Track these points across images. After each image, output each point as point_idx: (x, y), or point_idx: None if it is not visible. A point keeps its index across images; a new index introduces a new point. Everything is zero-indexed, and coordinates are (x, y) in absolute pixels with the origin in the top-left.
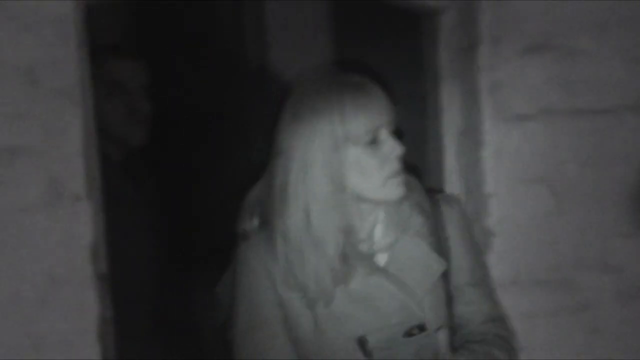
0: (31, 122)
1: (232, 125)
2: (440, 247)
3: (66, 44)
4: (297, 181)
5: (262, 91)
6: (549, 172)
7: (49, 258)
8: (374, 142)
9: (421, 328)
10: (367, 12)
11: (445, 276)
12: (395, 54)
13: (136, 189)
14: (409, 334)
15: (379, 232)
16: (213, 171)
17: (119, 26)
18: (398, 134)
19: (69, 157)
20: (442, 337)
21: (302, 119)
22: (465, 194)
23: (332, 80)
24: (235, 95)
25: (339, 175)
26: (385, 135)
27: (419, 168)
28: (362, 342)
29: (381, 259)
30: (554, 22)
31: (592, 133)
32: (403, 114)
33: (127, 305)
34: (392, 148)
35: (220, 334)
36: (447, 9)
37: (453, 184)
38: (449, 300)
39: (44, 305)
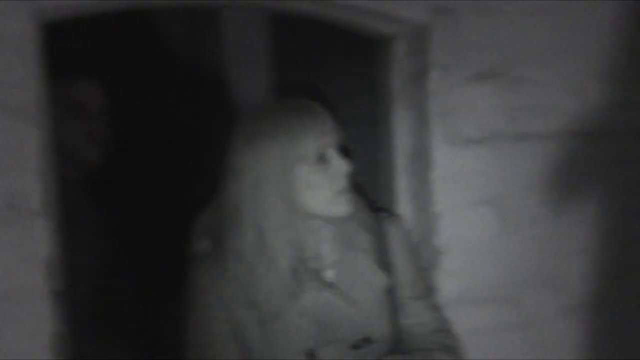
0: None
1: (190, 144)
2: (384, 263)
3: (24, 63)
4: (249, 200)
5: (219, 111)
6: (495, 194)
7: (4, 274)
8: (322, 160)
9: (367, 340)
10: (324, 36)
11: (390, 291)
12: (349, 78)
13: (95, 208)
14: (355, 346)
15: (326, 249)
16: (174, 190)
17: (80, 47)
18: (346, 152)
19: (26, 174)
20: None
21: (253, 141)
22: (415, 214)
23: (281, 104)
24: (193, 115)
25: (290, 193)
26: (333, 154)
27: (364, 187)
28: (310, 355)
29: (328, 274)
30: (501, 52)
31: (534, 157)
32: (356, 136)
33: (87, 322)
34: (339, 166)
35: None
36: (399, 36)
37: (403, 204)
38: (394, 313)
39: None
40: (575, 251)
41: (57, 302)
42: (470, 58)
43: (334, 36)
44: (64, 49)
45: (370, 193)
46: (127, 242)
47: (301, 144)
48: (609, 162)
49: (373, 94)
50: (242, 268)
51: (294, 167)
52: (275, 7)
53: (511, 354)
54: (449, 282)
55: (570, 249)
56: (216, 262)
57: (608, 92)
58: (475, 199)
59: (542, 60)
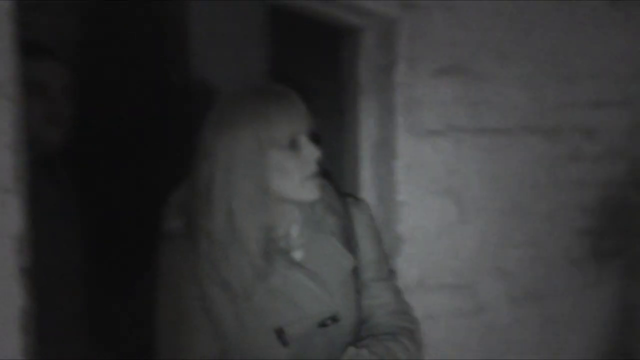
0: None
1: (160, 130)
2: (350, 245)
3: (1, 38)
4: (222, 182)
5: (186, 96)
6: (455, 184)
7: None
8: (293, 146)
9: (334, 319)
10: (292, 27)
11: (355, 272)
12: (317, 69)
13: (56, 190)
14: (323, 324)
15: (295, 230)
16: (140, 174)
17: (48, 26)
18: (316, 139)
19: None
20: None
21: (227, 125)
22: (378, 202)
23: (255, 89)
24: (164, 101)
25: (261, 177)
26: (304, 141)
27: (332, 173)
28: (279, 333)
29: (297, 255)
30: (465, 48)
31: (493, 150)
32: (322, 125)
33: (49, 303)
34: (310, 152)
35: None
36: (367, 28)
37: (367, 192)
38: (358, 294)
39: None
40: (526, 242)
41: (25, 278)
42: (436, 52)
43: (303, 27)
44: (26, 25)
45: (336, 180)
46: (93, 226)
47: (274, 128)
48: (561, 158)
49: (341, 84)
50: (213, 248)
51: (266, 152)
52: None
53: (464, 338)
54: (409, 268)
55: (522, 240)
56: (188, 241)
57: (562, 92)
58: (436, 189)
59: (503, 58)
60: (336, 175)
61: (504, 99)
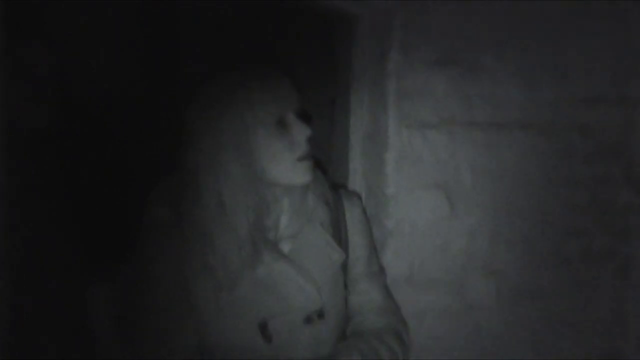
0: None
1: (149, 116)
2: (340, 238)
3: None
4: (208, 166)
5: (175, 79)
6: (446, 179)
7: None
8: (281, 125)
9: (320, 314)
10: (285, 13)
11: (344, 267)
12: (308, 57)
13: (39, 172)
14: (308, 320)
15: (284, 220)
16: (127, 161)
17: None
18: (306, 118)
19: None
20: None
21: (212, 107)
22: (367, 195)
23: (237, 70)
24: (149, 84)
25: (249, 159)
26: (293, 119)
27: (324, 163)
28: (262, 327)
29: (285, 246)
30: (460, 39)
31: (486, 145)
32: (312, 115)
33: (24, 289)
34: (300, 130)
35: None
36: (362, 16)
37: (356, 184)
38: (346, 289)
39: None
40: (517, 240)
41: None
42: (431, 43)
43: (296, 13)
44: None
45: (326, 171)
46: (75, 209)
47: (258, 107)
48: (555, 156)
49: (332, 73)
50: (200, 234)
51: (251, 132)
52: None
53: (452, 337)
54: (397, 263)
55: (513, 237)
56: (174, 229)
57: (557, 87)
58: (427, 182)
59: (499, 50)
60: (323, 162)
61: (498, 93)
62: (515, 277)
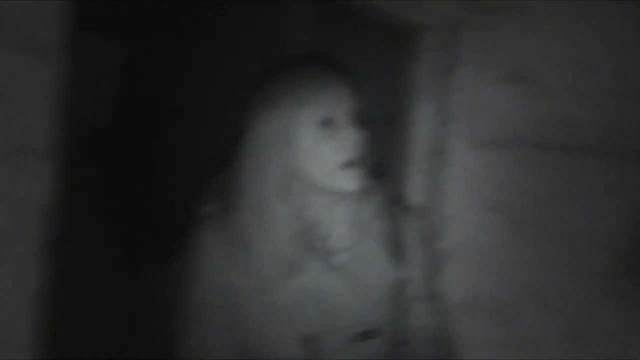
0: (3, 72)
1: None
2: (398, 255)
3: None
4: (251, 165)
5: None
6: (508, 201)
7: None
8: (329, 127)
9: (371, 335)
10: (350, 23)
11: (400, 286)
12: (370, 69)
13: (94, 168)
14: (358, 338)
15: (337, 231)
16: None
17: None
18: (363, 123)
19: (35, 114)
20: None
21: (261, 106)
22: (425, 211)
23: (291, 67)
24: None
25: (293, 160)
26: (342, 122)
27: (387, 176)
28: (308, 341)
29: (338, 259)
30: (530, 57)
31: (555, 169)
32: (371, 128)
33: (72, 282)
34: (348, 134)
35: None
36: (428, 29)
37: (414, 201)
38: (400, 311)
39: None
40: (581, 273)
41: (48, 251)
42: (500, 59)
43: (361, 25)
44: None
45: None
46: (127, 207)
47: (302, 107)
48: (627, 185)
49: (394, 86)
50: (241, 236)
51: (293, 132)
52: None
53: None
54: (452, 288)
55: (577, 270)
56: (220, 226)
57: (632, 113)
58: (487, 204)
59: (574, 70)
60: (386, 175)
61: (569, 115)
62: (575, 312)
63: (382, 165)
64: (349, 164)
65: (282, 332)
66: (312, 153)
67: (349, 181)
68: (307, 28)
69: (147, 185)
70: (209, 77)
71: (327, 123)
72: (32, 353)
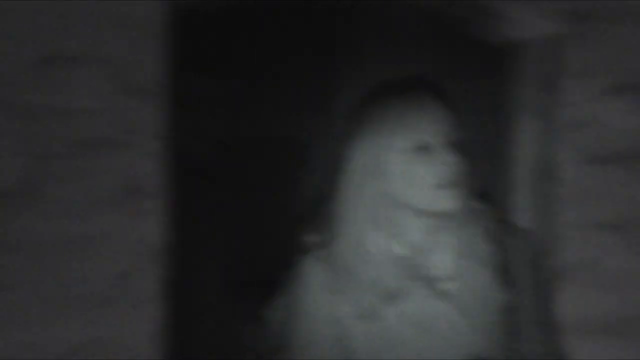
0: (112, 117)
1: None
2: (506, 279)
3: (153, 44)
4: (352, 193)
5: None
6: (625, 218)
7: (116, 257)
8: (424, 151)
9: None
10: (450, 40)
11: (509, 311)
12: (478, 83)
13: (201, 201)
14: None
15: (442, 256)
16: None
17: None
18: (461, 148)
19: (144, 156)
20: None
21: (354, 131)
22: (535, 231)
23: (388, 94)
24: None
25: (382, 184)
26: (437, 146)
27: (491, 198)
28: None
29: (444, 285)
30: (638, 63)
31: None
32: (475, 146)
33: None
34: (444, 158)
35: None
36: (529, 43)
37: (522, 221)
38: (509, 337)
39: (107, 304)
40: None
41: (165, 289)
42: (608, 68)
43: (461, 40)
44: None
45: (498, 204)
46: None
47: (399, 134)
48: None
49: (497, 102)
50: (341, 264)
51: (383, 158)
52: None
53: None
54: (566, 310)
55: None
56: (323, 257)
57: None
58: (602, 221)
59: None
60: (492, 196)
61: None
62: None
63: (486, 187)
64: (443, 185)
65: (389, 354)
66: (406, 177)
67: (445, 201)
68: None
69: (253, 220)
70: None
71: (423, 148)
72: None
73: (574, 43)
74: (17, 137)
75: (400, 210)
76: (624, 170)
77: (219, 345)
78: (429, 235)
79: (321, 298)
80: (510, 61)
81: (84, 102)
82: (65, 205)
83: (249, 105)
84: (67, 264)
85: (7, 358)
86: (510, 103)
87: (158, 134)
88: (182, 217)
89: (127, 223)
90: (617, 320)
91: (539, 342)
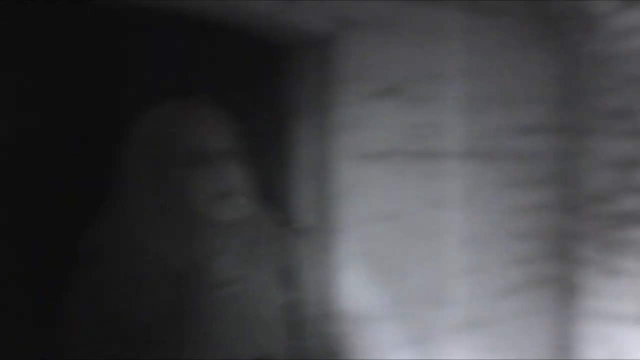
0: None
1: None
2: (285, 278)
3: None
4: (130, 203)
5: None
6: (395, 210)
7: None
8: (203, 158)
9: None
10: (226, 45)
11: (290, 308)
12: (251, 88)
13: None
14: None
15: (224, 261)
16: None
17: None
18: (237, 152)
19: None
20: None
21: (133, 140)
22: (313, 229)
23: (164, 103)
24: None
25: (168, 192)
26: (217, 153)
27: (271, 199)
28: None
29: (225, 289)
30: (403, 69)
31: (432, 175)
32: (256, 147)
33: None
34: (222, 164)
35: None
36: (302, 47)
37: (302, 218)
38: (291, 332)
39: None
40: (465, 269)
41: None
42: (374, 73)
43: (236, 45)
44: None
45: (275, 206)
46: None
47: (169, 141)
48: (498, 184)
49: (275, 105)
50: (123, 267)
51: (163, 166)
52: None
53: None
54: (347, 298)
55: (461, 267)
56: (101, 269)
57: (498, 116)
58: (375, 214)
59: (441, 79)
60: (269, 201)
61: (441, 123)
62: (466, 307)
63: (265, 189)
64: (224, 194)
65: None
66: (188, 185)
67: (227, 210)
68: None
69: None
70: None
71: (202, 156)
72: None
73: (344, 49)
74: None
75: (180, 218)
76: (389, 165)
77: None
78: (210, 241)
79: (89, 308)
80: (286, 64)
81: None
82: None
83: (60, 97)
84: None
85: None
86: (288, 106)
87: None
88: None
89: None
90: (387, 305)
91: (322, 336)
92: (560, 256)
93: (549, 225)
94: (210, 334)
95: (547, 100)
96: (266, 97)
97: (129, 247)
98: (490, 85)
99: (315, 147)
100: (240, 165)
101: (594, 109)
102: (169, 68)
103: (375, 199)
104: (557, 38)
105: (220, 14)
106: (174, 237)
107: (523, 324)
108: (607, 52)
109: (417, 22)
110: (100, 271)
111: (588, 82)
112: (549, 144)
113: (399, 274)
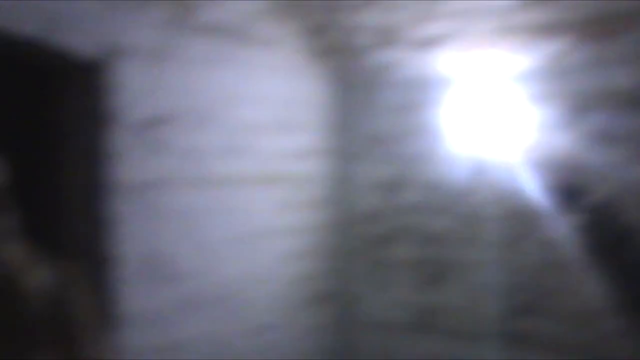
0: None
1: None
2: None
3: None
4: None
5: None
6: (160, 244)
7: None
8: None
9: None
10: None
11: None
12: (16, 115)
13: None
14: None
15: None
16: None
17: None
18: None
19: None
20: None
21: None
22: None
23: None
24: None
25: None
26: None
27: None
28: None
29: None
30: (175, 97)
31: (211, 201)
32: (27, 167)
33: None
34: None
35: None
36: (71, 72)
37: (71, 247)
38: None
39: None
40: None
41: None
42: (145, 101)
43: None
44: None
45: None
46: None
47: None
48: (273, 205)
49: (47, 128)
50: None
51: None
52: None
53: None
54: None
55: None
56: None
57: (274, 140)
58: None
59: (217, 105)
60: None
61: (217, 147)
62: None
63: (34, 223)
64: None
65: None
66: None
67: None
68: None
69: None
70: None
71: None
72: None
73: (115, 76)
74: None
75: None
76: (160, 193)
77: None
78: None
79: None
80: (55, 89)
81: None
82: None
83: None
84: None
85: None
86: (56, 131)
87: None
88: None
89: None
90: (177, 306)
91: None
92: (339, 273)
93: (326, 243)
94: None
95: (318, 127)
96: (32, 125)
97: None
98: (265, 111)
99: (87, 174)
100: (8, 204)
101: (361, 135)
102: None
103: (146, 230)
104: (327, 69)
105: None
106: None
107: (306, 339)
108: (371, 83)
109: (190, 51)
110: None
111: (355, 110)
112: (321, 168)
113: (180, 278)
